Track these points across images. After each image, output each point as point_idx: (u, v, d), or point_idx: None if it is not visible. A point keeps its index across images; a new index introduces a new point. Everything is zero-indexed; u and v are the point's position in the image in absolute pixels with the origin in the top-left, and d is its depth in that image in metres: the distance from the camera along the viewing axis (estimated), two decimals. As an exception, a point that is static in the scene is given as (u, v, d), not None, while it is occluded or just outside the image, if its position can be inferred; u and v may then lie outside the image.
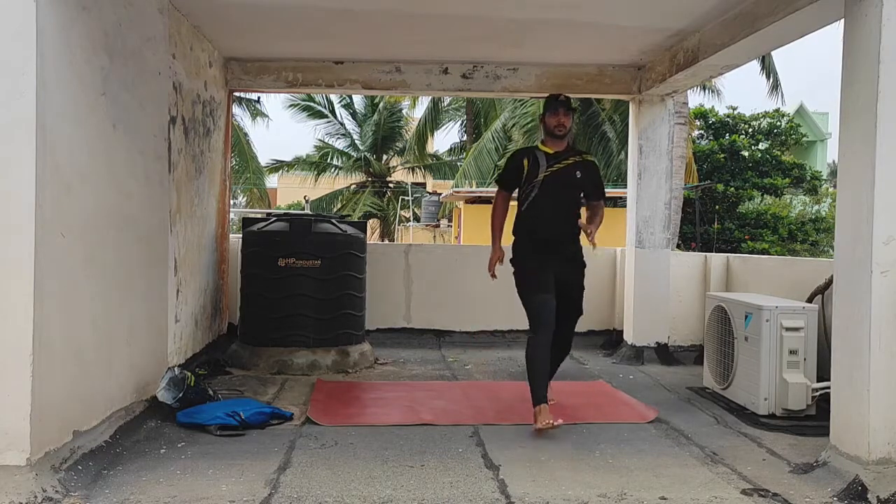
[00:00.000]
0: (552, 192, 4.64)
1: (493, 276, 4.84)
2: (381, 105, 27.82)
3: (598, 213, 4.81)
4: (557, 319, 4.60)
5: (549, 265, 4.62)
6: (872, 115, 3.48)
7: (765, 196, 19.28)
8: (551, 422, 4.24)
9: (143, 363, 4.49)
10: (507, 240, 4.83)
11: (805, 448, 4.11)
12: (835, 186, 8.09)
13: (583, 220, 4.74)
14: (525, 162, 4.70)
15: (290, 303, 6.03)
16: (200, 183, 6.01)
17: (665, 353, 6.81)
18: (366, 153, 28.56)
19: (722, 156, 19.34)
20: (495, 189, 4.99)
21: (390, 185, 29.30)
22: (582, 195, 4.82)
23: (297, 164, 29.06)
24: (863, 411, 3.50)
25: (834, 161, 21.78)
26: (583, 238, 4.70)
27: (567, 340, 4.86)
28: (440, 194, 24.42)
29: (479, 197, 18.88)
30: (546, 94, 5.07)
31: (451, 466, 3.70)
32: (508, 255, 4.79)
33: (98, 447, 3.67)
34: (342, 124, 28.80)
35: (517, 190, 4.81)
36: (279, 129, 77.09)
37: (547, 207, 4.65)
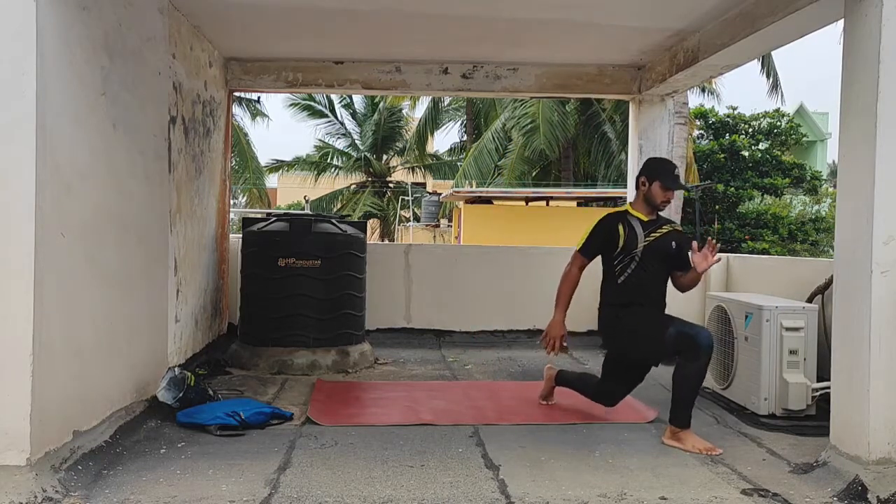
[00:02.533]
0: (652, 262, 4.29)
1: (556, 351, 4.36)
2: (381, 105, 27.83)
3: (691, 280, 4.31)
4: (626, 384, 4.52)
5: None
6: (872, 115, 3.48)
7: (765, 196, 19.28)
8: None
9: (143, 363, 4.49)
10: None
11: (805, 448, 4.11)
12: (835, 186, 8.08)
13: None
14: (621, 229, 4.29)
15: (290, 303, 6.03)
16: (200, 183, 6.01)
17: (665, 353, 6.81)
18: (366, 153, 28.56)
19: (722, 156, 19.35)
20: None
21: (390, 185, 29.31)
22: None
23: (297, 164, 29.07)
24: (863, 411, 3.50)
25: (834, 161, 21.78)
26: None
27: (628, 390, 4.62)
28: (440, 194, 24.42)
29: (479, 197, 18.90)
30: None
31: (451, 466, 3.70)
32: None
33: (98, 447, 3.67)
34: (342, 124, 28.83)
35: (596, 258, 4.42)
36: (279, 129, 77.10)
37: (648, 279, 4.30)
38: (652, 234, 4.30)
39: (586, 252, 4.38)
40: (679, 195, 12.60)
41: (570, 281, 4.36)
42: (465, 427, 4.43)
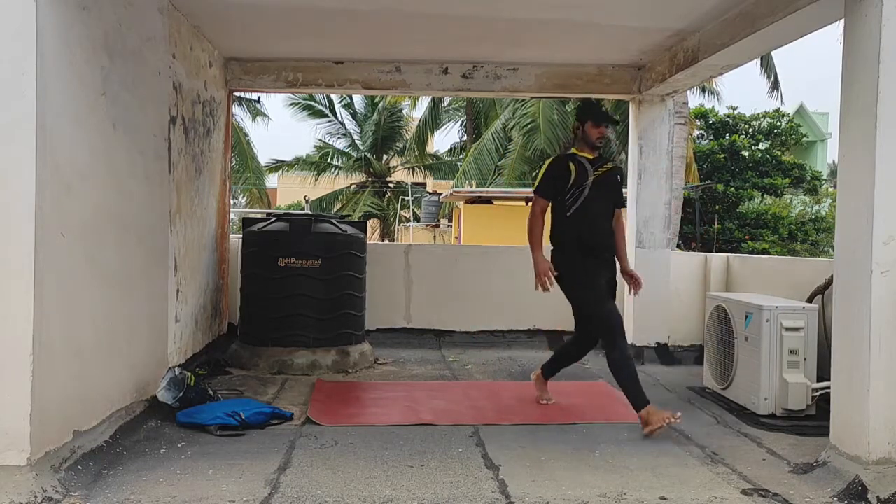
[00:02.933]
0: (598, 196, 4.67)
1: (547, 289, 4.63)
2: (381, 105, 27.81)
3: (620, 225, 4.93)
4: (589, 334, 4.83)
5: (599, 271, 4.66)
6: (872, 115, 3.48)
7: (765, 196, 19.27)
8: (669, 418, 4.24)
9: (143, 363, 4.49)
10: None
11: (805, 448, 4.11)
12: (835, 186, 8.09)
13: (625, 264, 4.90)
14: (571, 166, 4.66)
15: (290, 303, 6.03)
16: (200, 183, 6.01)
17: (665, 353, 6.82)
18: (366, 153, 28.55)
19: (722, 156, 19.34)
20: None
21: (390, 185, 29.29)
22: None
23: (297, 163, 29.05)
24: (863, 411, 3.50)
25: (834, 161, 21.79)
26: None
27: (594, 342, 4.92)
28: (440, 194, 24.41)
29: (480, 197, 18.88)
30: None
31: (451, 466, 3.70)
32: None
33: (98, 447, 3.67)
34: (342, 124, 28.80)
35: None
36: (279, 129, 77.06)
37: (594, 212, 4.66)
38: (599, 169, 4.71)
39: (544, 192, 4.74)
40: (679, 195, 12.64)
41: (538, 223, 4.72)
42: (465, 427, 4.43)
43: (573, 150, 4.83)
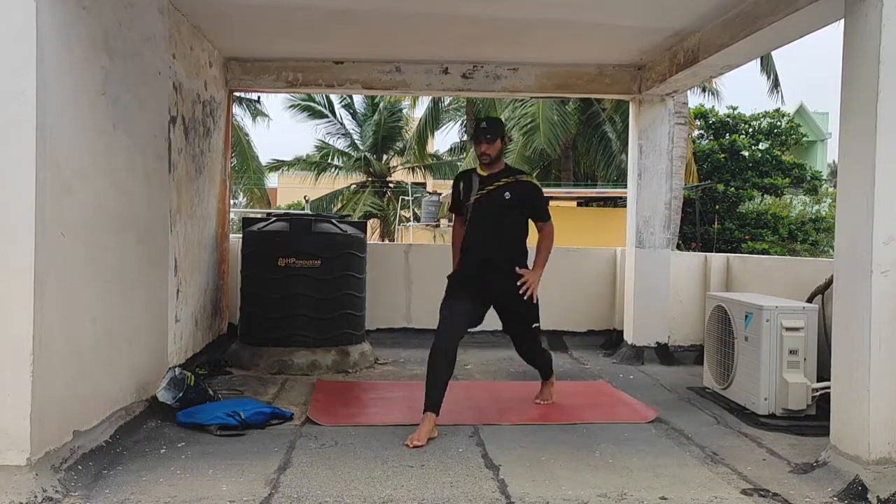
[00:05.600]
0: (485, 213, 4.63)
1: None
2: (381, 105, 27.80)
3: (543, 237, 4.77)
4: (512, 338, 4.90)
5: (475, 283, 4.62)
6: (872, 115, 3.48)
7: (765, 196, 19.29)
8: (413, 442, 4.02)
9: (143, 363, 4.49)
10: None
11: (805, 448, 4.11)
12: (835, 186, 8.08)
13: (528, 266, 4.69)
14: (461, 184, 4.81)
15: (290, 303, 6.03)
16: (200, 183, 6.01)
17: (665, 353, 6.81)
18: (366, 153, 28.54)
19: (722, 156, 19.35)
20: None
21: (390, 185, 29.29)
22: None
23: (297, 163, 29.05)
24: (863, 411, 3.50)
25: (834, 161, 21.77)
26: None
27: (532, 352, 4.96)
28: (440, 194, 24.40)
29: (480, 197, 18.82)
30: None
31: (451, 466, 3.70)
32: None
33: (98, 447, 3.67)
34: (342, 124, 28.80)
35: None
36: (279, 129, 77.05)
37: (480, 229, 4.65)
38: (488, 187, 4.67)
39: (450, 208, 5.00)
40: (679, 195, 12.64)
41: (454, 234, 4.97)
42: (465, 427, 4.43)
43: (477, 166, 4.83)
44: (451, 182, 5.55)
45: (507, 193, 4.62)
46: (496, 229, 4.64)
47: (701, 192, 17.94)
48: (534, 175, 22.05)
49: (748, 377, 4.87)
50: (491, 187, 4.65)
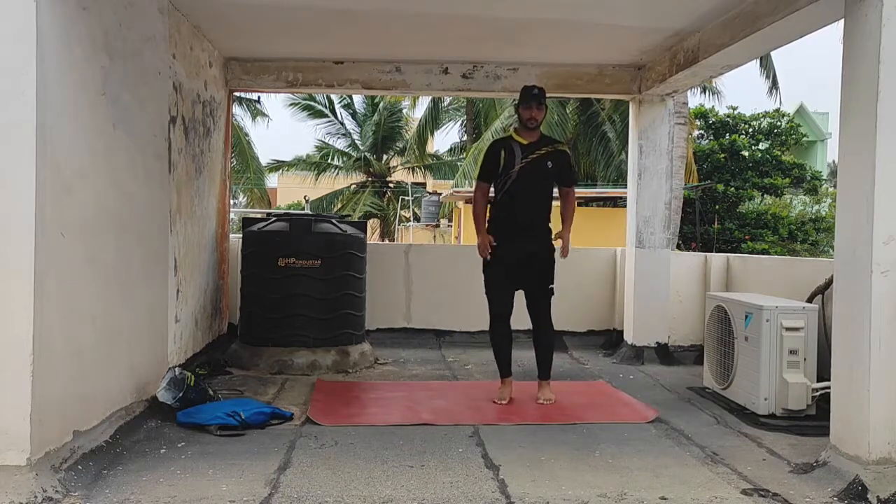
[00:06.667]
0: (530, 180, 4.90)
1: (488, 256, 5.03)
2: (381, 105, 27.81)
3: (568, 201, 5.16)
4: (529, 296, 5.08)
5: (513, 255, 4.94)
6: (872, 115, 3.48)
7: (765, 196, 19.28)
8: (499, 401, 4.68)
9: (143, 363, 4.49)
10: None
11: (805, 448, 4.11)
12: (835, 186, 8.09)
13: (558, 227, 5.07)
14: (502, 153, 4.93)
15: (290, 303, 6.03)
16: (200, 183, 6.01)
17: (665, 353, 6.82)
18: (366, 153, 28.55)
19: (722, 156, 19.34)
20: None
21: (390, 185, 29.29)
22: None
23: (297, 163, 29.06)
24: (863, 411, 3.50)
25: (834, 161, 21.77)
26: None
27: (546, 311, 5.11)
28: (440, 194, 24.40)
29: (479, 197, 18.82)
30: (546, 95, 5.08)
31: (451, 466, 3.70)
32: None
33: (98, 447, 3.67)
34: (342, 124, 28.80)
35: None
36: (279, 129, 77.05)
37: (525, 194, 4.91)
38: (530, 156, 4.90)
39: (482, 177, 5.08)
40: (679, 195, 12.63)
41: (479, 206, 5.11)
42: (465, 427, 4.43)
43: (511, 133, 5.11)
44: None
45: (549, 163, 4.95)
46: (541, 195, 4.99)
47: (701, 192, 17.93)
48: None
49: (748, 377, 4.87)
50: (534, 156, 4.91)
